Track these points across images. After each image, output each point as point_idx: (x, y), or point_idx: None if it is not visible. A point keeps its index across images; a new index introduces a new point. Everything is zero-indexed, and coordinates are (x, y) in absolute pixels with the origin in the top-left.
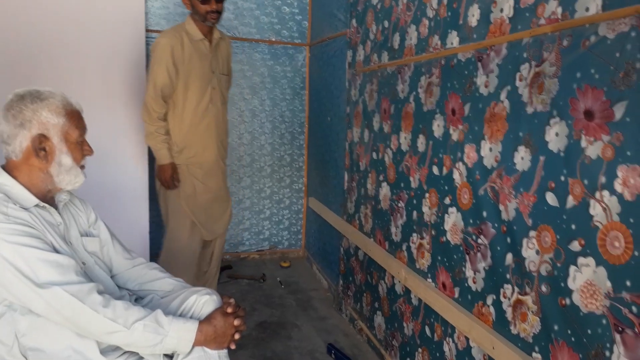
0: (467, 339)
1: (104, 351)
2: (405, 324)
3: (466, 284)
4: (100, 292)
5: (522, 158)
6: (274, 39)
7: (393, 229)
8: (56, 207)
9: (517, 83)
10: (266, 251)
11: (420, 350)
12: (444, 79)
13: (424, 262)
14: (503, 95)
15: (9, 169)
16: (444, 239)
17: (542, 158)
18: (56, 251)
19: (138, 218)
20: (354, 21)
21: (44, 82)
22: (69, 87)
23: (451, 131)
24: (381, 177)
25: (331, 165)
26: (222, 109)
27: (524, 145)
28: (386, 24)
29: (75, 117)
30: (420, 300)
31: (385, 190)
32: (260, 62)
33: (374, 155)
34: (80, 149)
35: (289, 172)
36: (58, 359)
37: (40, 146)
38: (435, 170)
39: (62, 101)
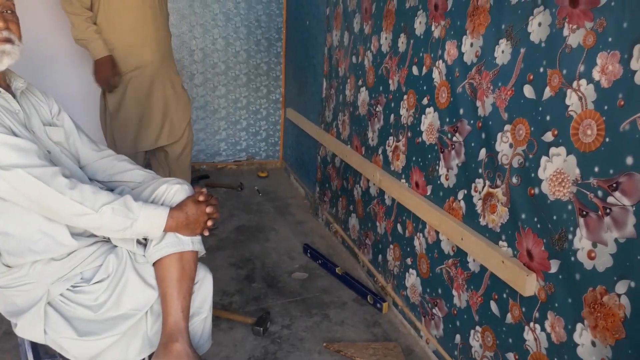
0: (437, 233)
1: (75, 236)
2: (378, 224)
3: (439, 182)
4: (66, 176)
5: (502, 51)
6: None
7: (370, 134)
8: (14, 96)
9: None
10: (243, 162)
11: (391, 246)
12: None
13: (399, 163)
14: None
15: None
16: (420, 139)
17: (522, 50)
18: (14, 135)
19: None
20: None
21: None
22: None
23: (433, 28)
24: (360, 82)
25: (309, 73)
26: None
27: (505, 38)
28: None
29: None
30: (393, 200)
31: (364, 95)
32: None
33: (354, 59)
34: None
35: (266, 82)
36: (27, 242)
37: None
38: (414, 70)
39: None
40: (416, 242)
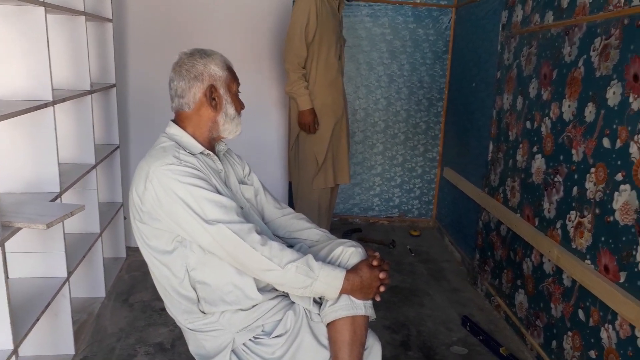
0: (632, 327)
1: (260, 290)
2: (553, 305)
3: (636, 269)
4: (258, 233)
5: None
6: (418, 1)
7: (546, 205)
8: (217, 156)
9: None
10: (395, 218)
11: (570, 333)
12: (626, 41)
13: (583, 242)
14: None
15: (178, 120)
16: (611, 218)
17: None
18: (219, 194)
19: (276, 171)
20: None
21: (199, 44)
22: (220, 49)
23: (631, 99)
24: (535, 149)
25: (472, 134)
26: (342, 66)
27: None
28: None
29: (232, 72)
30: (574, 281)
31: (539, 162)
32: (402, 25)
33: (528, 124)
34: (238, 100)
35: (424, 140)
36: (221, 292)
37: (212, 96)
38: (605, 142)
39: (222, 57)
40: (604, 334)
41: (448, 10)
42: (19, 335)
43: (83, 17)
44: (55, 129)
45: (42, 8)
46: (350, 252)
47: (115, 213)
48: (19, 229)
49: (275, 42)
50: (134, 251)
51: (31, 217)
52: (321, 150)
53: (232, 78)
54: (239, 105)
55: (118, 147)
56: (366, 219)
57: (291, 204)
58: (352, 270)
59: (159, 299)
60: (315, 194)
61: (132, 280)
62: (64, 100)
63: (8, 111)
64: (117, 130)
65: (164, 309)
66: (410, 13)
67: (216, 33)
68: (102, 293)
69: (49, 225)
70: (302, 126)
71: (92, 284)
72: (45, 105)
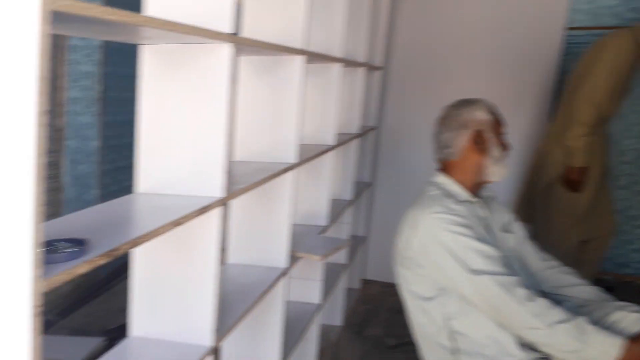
0: None
1: (524, 347)
2: None
3: None
4: (523, 287)
5: None
6: None
7: None
8: (483, 203)
9: None
10: None
11: None
12: None
13: None
14: None
15: (445, 169)
16: None
17: None
18: (484, 243)
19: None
20: None
21: (464, 85)
22: (483, 87)
23: None
24: None
25: None
26: None
27: None
28: None
29: (498, 113)
30: None
31: None
32: None
33: None
34: (503, 142)
35: None
36: (479, 345)
37: (478, 140)
38: None
39: (486, 102)
40: None
41: None
42: (285, 356)
43: (362, 68)
44: (331, 169)
45: (339, 64)
46: (633, 318)
47: (358, 246)
48: (299, 258)
49: (537, 82)
50: (367, 283)
51: (308, 249)
52: (580, 202)
53: (498, 121)
54: (504, 147)
55: (370, 184)
56: (620, 276)
57: None
58: (637, 340)
59: (389, 335)
60: (566, 246)
61: (365, 313)
62: (341, 144)
63: (307, 155)
64: (370, 169)
65: (395, 347)
66: None
67: (475, 77)
68: (338, 322)
69: (322, 258)
70: (568, 182)
71: (331, 312)
72: (328, 149)
